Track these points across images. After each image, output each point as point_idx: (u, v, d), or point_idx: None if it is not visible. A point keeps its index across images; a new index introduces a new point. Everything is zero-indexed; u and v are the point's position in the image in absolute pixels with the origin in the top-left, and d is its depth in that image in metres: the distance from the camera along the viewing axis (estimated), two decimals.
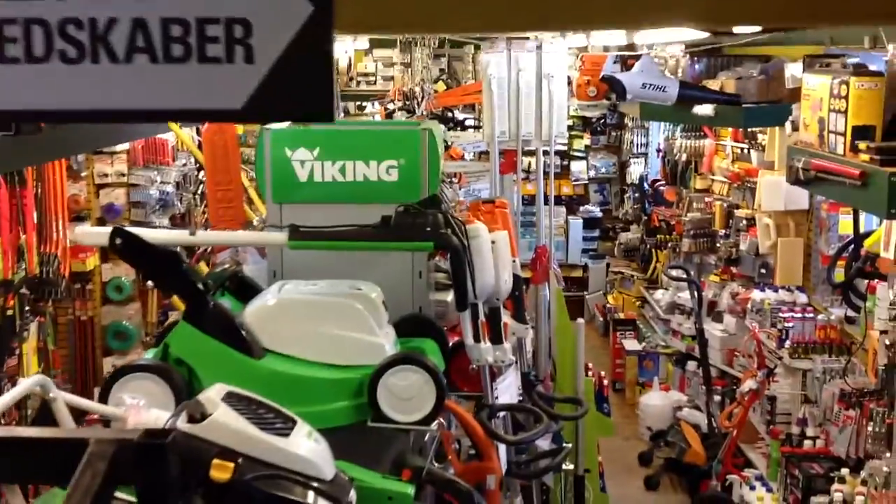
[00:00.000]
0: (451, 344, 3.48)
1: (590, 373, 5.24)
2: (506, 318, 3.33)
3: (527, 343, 3.55)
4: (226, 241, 3.25)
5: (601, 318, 10.34)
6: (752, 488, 6.00)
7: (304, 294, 2.79)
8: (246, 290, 2.94)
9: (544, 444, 3.59)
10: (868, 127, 3.23)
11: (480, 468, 2.99)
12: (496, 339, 3.18)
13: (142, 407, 2.13)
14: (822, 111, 3.51)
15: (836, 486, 4.83)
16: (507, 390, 3.24)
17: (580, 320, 5.02)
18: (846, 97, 3.30)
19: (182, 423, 1.78)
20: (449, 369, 3.53)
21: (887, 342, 4.26)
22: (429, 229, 2.66)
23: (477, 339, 3.06)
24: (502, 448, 3.24)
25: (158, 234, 3.03)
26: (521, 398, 3.41)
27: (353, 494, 2.27)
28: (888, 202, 2.92)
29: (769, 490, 5.96)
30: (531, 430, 3.17)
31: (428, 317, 3.10)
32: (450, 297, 3.41)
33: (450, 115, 8.31)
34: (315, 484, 2.16)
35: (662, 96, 6.51)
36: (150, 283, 6.04)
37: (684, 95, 6.54)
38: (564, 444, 3.53)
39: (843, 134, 3.40)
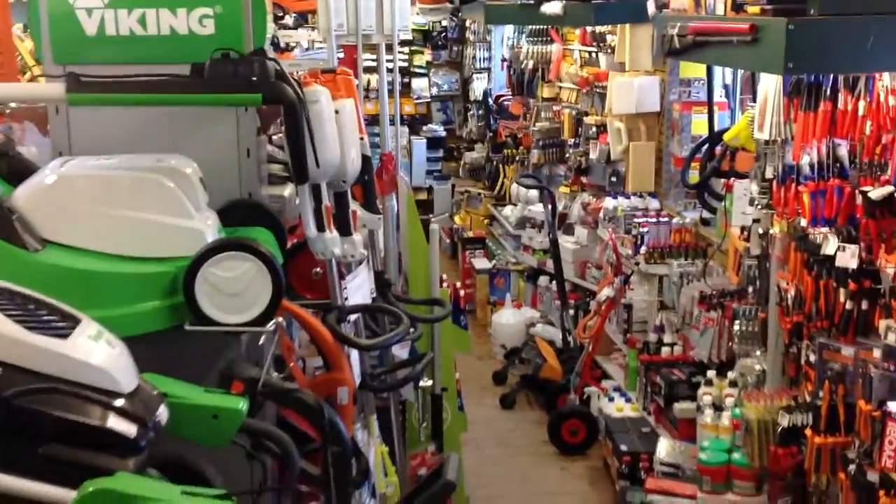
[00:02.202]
0: (290, 245, 2.95)
1: (444, 284, 4.81)
2: (355, 206, 2.82)
3: (380, 237, 3.06)
4: None
5: (448, 241, 9.98)
6: (611, 399, 5.80)
7: (95, 170, 2.18)
8: (21, 172, 2.30)
9: (402, 353, 3.13)
10: None
11: (330, 380, 2.50)
12: (344, 230, 2.67)
13: None
14: None
15: (703, 389, 4.61)
16: (359, 290, 2.75)
17: (435, 225, 4.57)
18: None
19: None
20: (288, 274, 3.00)
21: (760, 231, 4.01)
22: (255, 79, 2.10)
23: (321, 228, 2.54)
24: (355, 359, 2.75)
25: None
26: (374, 300, 2.93)
27: (162, 411, 1.72)
28: (785, 55, 2.57)
29: (628, 400, 5.77)
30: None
31: (259, 202, 2.55)
32: (287, 190, 2.87)
33: (280, 15, 7.60)
34: (106, 399, 1.62)
35: None
36: None
37: None
38: (422, 354, 3.08)
39: None
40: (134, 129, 2.41)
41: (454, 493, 4.69)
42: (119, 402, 1.65)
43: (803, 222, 3.57)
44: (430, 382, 3.97)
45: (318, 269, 2.89)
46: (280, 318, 2.24)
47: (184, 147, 2.41)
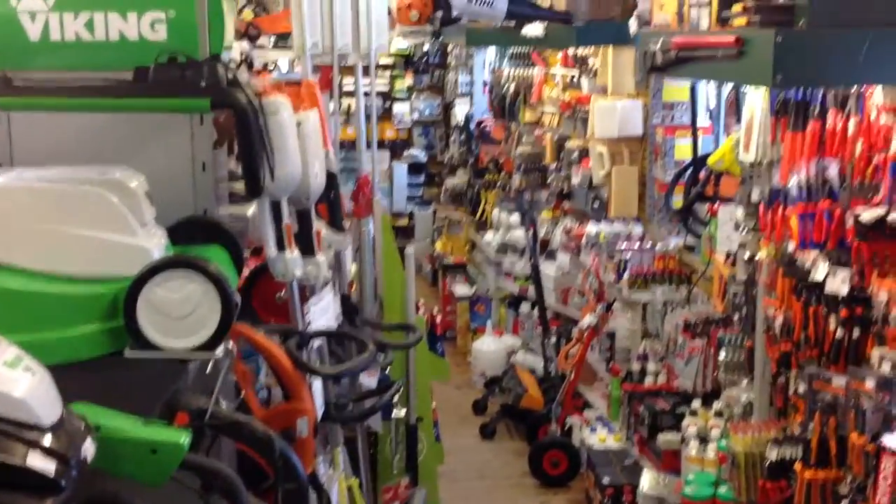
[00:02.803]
0: (253, 268, 2.79)
1: (421, 310, 4.65)
2: (319, 225, 2.66)
3: (347, 259, 2.89)
4: None
5: (429, 267, 9.82)
6: (594, 430, 5.64)
7: (29, 181, 2.01)
8: None
9: (370, 382, 2.96)
10: None
11: (288, 410, 2.33)
12: (307, 250, 2.51)
13: None
14: None
15: (688, 420, 4.46)
16: (323, 315, 2.58)
17: (410, 248, 4.41)
18: None
19: None
20: (251, 298, 2.84)
21: (746, 256, 3.87)
22: (203, 84, 1.94)
23: (282, 247, 2.37)
24: (318, 388, 2.58)
25: None
26: (341, 326, 2.77)
27: (88, 446, 1.55)
28: (773, 67, 2.43)
29: (611, 431, 5.60)
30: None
31: (215, 220, 2.38)
32: (251, 210, 2.71)
33: (254, 34, 7.46)
34: (22, 433, 1.44)
35: (489, 12, 6.00)
36: None
37: (513, 12, 6.05)
38: (394, 381, 2.90)
39: (709, 4, 2.92)
40: (81, 139, 2.25)
41: None
42: (37, 437, 1.47)
43: (791, 246, 3.43)
44: (403, 412, 3.79)
45: (283, 293, 2.73)
46: (231, 344, 2.07)
47: (133, 159, 2.25)
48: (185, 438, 1.76)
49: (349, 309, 2.82)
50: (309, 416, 2.35)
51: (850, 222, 3.04)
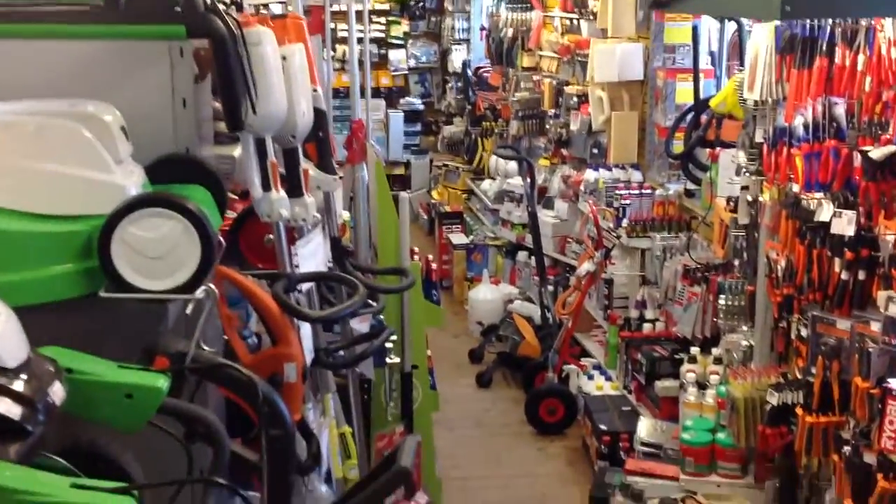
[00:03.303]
0: (241, 211, 2.70)
1: (416, 257, 4.56)
2: (307, 166, 2.56)
3: (337, 201, 2.79)
4: None
5: (425, 217, 9.71)
6: (591, 378, 5.58)
7: None
8: None
9: (362, 327, 2.88)
10: None
11: (275, 355, 2.25)
12: (294, 191, 2.41)
13: None
14: None
15: (686, 366, 4.39)
16: (312, 258, 2.49)
17: (405, 195, 4.30)
18: None
19: None
20: (238, 243, 2.75)
21: (749, 198, 3.77)
22: (178, 10, 1.83)
23: (267, 186, 2.28)
24: (307, 333, 2.50)
25: None
26: (331, 270, 2.68)
27: (57, 390, 1.47)
28: None
29: (608, 378, 5.55)
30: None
31: (196, 159, 2.28)
32: (237, 150, 2.60)
33: None
34: None
35: None
36: None
37: None
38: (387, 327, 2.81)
39: None
40: (52, 72, 2.13)
41: (425, 476, 4.49)
42: (1, 379, 1.39)
43: (796, 188, 3.33)
44: (398, 360, 3.72)
45: (271, 236, 2.63)
46: (213, 287, 1.98)
47: (109, 93, 2.13)
48: (162, 382, 1.68)
49: (340, 252, 2.73)
50: (297, 362, 2.27)
51: (857, 162, 2.95)
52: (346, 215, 4.11)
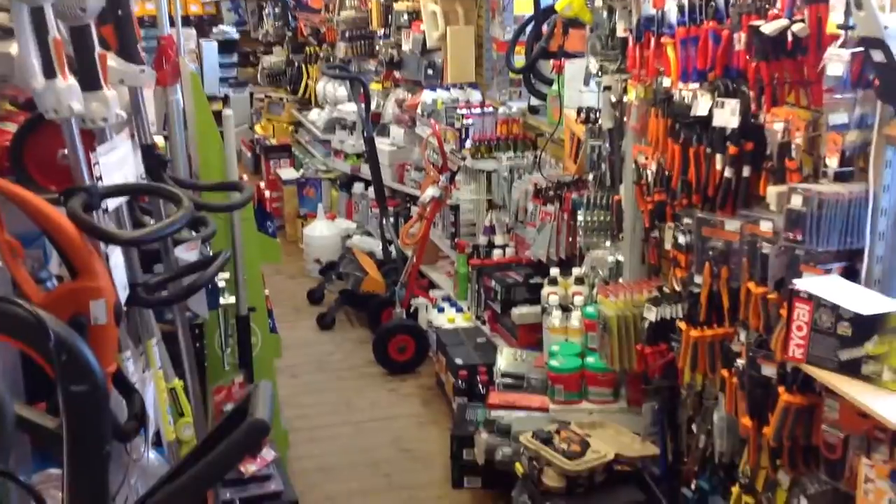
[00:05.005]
0: (25, 120, 2.12)
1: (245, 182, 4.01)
2: (106, 53, 2.01)
3: (145, 99, 2.24)
4: None
5: (249, 154, 9.05)
6: (441, 310, 5.24)
7: None
8: None
9: (189, 256, 2.37)
10: None
11: (76, 290, 1.73)
12: (89, 81, 1.87)
13: None
14: None
15: (547, 289, 4.10)
16: (119, 168, 1.96)
17: (229, 111, 3.75)
18: None
19: None
20: (24, 163, 2.17)
21: (612, 99, 3.47)
22: None
23: (50, 72, 1.73)
24: (118, 262, 1.98)
25: None
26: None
27: None
28: None
29: (459, 310, 5.23)
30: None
31: None
32: (14, 46, 2.01)
33: None
34: None
35: None
36: None
37: None
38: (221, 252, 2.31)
39: None
40: None
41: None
42: None
43: (667, 82, 3.04)
44: (233, 300, 3.22)
45: (66, 151, 2.08)
46: None
47: None
48: None
49: (155, 163, 2.19)
50: (106, 298, 1.76)
51: (739, 45, 2.66)
52: (160, 141, 3.53)
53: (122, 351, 1.95)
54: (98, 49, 1.91)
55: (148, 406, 1.99)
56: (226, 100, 9.68)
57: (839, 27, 2.18)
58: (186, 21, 9.53)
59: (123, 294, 1.95)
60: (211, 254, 2.87)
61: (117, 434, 1.81)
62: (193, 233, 2.49)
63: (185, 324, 2.43)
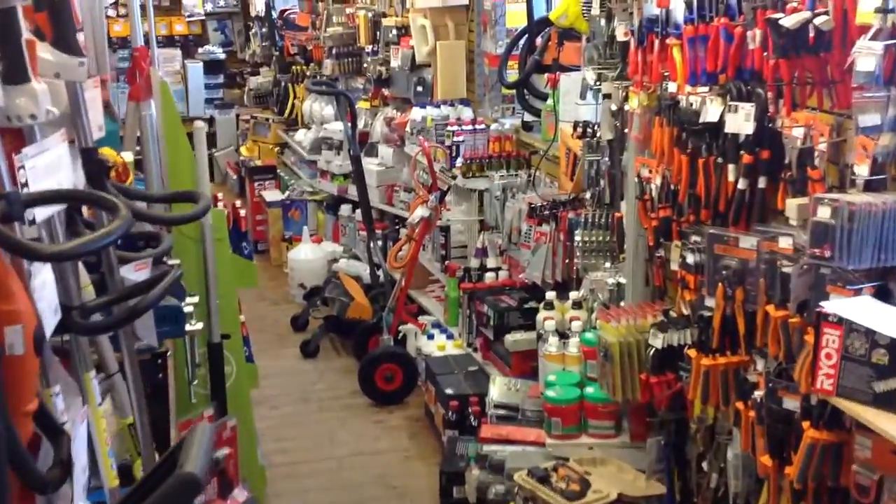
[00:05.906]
0: None
1: (220, 204, 3.75)
2: (36, 41, 1.75)
3: (89, 99, 1.98)
4: None
5: (234, 176, 8.80)
6: (431, 337, 4.96)
7: None
8: None
9: (137, 276, 2.10)
10: None
11: None
12: (15, 73, 1.61)
13: None
14: None
15: (543, 314, 3.83)
16: (51, 175, 1.69)
17: (201, 123, 3.49)
18: None
19: None
20: None
21: (612, 108, 3.22)
22: None
23: None
24: (46, 281, 1.70)
25: None
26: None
27: None
28: None
29: (450, 337, 4.95)
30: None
31: None
32: None
33: None
34: None
35: None
36: None
37: None
38: (173, 267, 2.02)
39: None
40: None
41: (246, 466, 3.75)
42: None
43: (672, 87, 2.79)
44: (199, 326, 2.95)
45: None
46: None
47: None
48: None
49: (96, 168, 1.92)
50: (25, 323, 1.49)
51: (753, 43, 2.41)
52: (128, 157, 3.26)
53: (49, 385, 1.69)
54: (26, 35, 1.65)
55: (79, 449, 1.71)
56: (211, 121, 9.48)
57: (876, 10, 1.92)
58: (171, 41, 9.34)
59: (53, 319, 1.68)
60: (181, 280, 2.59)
61: (37, 485, 1.53)
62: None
63: (132, 353, 2.16)
